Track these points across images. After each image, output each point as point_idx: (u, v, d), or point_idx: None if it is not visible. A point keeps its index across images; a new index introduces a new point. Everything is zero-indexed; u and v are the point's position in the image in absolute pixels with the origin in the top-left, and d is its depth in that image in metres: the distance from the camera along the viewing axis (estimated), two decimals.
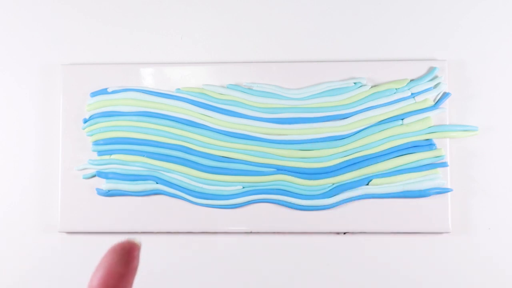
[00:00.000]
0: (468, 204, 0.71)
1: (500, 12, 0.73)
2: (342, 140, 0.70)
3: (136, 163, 0.72)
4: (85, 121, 0.72)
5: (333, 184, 0.70)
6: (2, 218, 0.74)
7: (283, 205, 0.70)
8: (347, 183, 0.69)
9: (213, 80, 0.72)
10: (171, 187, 0.71)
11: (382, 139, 0.70)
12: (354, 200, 0.69)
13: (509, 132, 0.72)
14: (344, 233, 0.70)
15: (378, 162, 0.70)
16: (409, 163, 0.70)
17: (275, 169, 0.70)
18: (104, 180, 0.72)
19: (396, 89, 0.71)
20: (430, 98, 0.71)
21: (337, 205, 0.69)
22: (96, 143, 0.72)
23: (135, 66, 0.73)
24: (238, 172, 0.71)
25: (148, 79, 0.73)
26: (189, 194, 0.71)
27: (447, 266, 0.70)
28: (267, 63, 0.72)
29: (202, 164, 0.71)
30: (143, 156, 0.72)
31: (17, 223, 0.73)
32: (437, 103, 0.71)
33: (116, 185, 0.72)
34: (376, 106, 0.71)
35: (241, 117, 0.71)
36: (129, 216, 0.71)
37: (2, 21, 0.75)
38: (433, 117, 0.70)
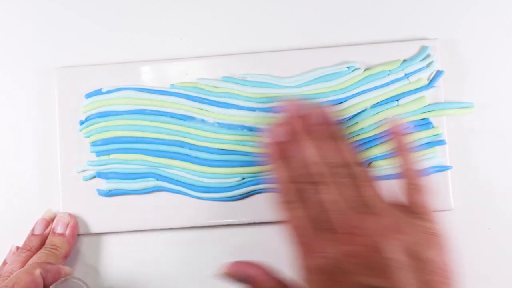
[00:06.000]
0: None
1: None
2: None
3: (136, 161, 0.72)
4: (82, 122, 0.72)
5: None
6: (2, 219, 0.74)
7: None
8: None
9: (207, 74, 0.72)
10: (171, 183, 0.71)
11: (379, 121, 0.70)
12: None
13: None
14: None
15: (376, 145, 0.70)
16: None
17: None
18: (104, 181, 0.72)
19: (389, 70, 0.71)
20: (424, 77, 0.71)
21: None
22: (94, 144, 0.72)
23: (128, 65, 0.73)
24: (237, 164, 0.71)
25: (142, 77, 0.73)
26: (190, 189, 0.71)
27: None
28: (260, 53, 0.72)
29: (201, 158, 0.71)
30: (142, 154, 0.72)
31: (18, 226, 0.73)
32: (431, 81, 0.71)
33: (117, 185, 0.72)
34: (370, 89, 0.71)
35: (236, 109, 0.71)
36: (132, 214, 0.71)
37: None
38: (428, 96, 0.70)
